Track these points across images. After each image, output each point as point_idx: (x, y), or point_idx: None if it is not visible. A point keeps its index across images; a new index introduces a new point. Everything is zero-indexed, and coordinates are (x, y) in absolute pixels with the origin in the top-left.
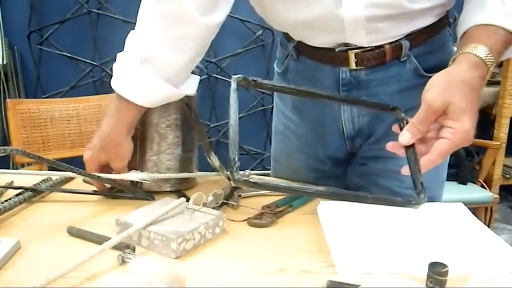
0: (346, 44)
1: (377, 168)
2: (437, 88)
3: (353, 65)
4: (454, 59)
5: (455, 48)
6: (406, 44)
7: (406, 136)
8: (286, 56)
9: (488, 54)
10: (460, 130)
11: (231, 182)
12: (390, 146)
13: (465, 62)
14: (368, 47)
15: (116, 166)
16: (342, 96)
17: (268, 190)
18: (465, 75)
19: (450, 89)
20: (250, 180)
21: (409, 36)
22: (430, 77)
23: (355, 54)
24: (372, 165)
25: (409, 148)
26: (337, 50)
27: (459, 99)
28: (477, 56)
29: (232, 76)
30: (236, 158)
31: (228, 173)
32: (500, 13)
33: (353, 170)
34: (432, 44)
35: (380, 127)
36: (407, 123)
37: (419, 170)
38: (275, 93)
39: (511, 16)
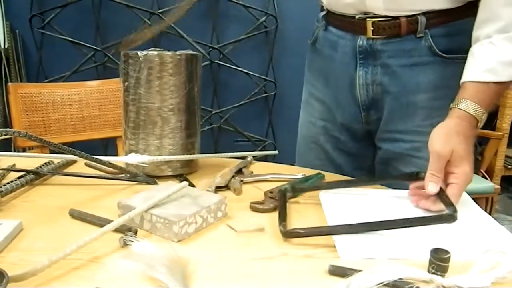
0: (365, 13)
1: (393, 153)
2: (440, 141)
3: (370, 33)
4: (450, 109)
5: None
6: (422, 20)
7: (433, 187)
8: (317, 28)
9: (477, 109)
10: (462, 173)
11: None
12: (414, 200)
13: (457, 117)
14: (385, 16)
15: None
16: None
17: (318, 235)
18: (459, 127)
19: (450, 140)
20: (302, 232)
21: (427, 15)
22: (444, 57)
23: (372, 23)
24: (389, 148)
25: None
26: (357, 17)
27: (459, 147)
28: (467, 112)
29: None
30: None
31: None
32: (485, 69)
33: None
34: (452, 27)
35: (393, 102)
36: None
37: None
38: (306, 67)
39: (498, 69)
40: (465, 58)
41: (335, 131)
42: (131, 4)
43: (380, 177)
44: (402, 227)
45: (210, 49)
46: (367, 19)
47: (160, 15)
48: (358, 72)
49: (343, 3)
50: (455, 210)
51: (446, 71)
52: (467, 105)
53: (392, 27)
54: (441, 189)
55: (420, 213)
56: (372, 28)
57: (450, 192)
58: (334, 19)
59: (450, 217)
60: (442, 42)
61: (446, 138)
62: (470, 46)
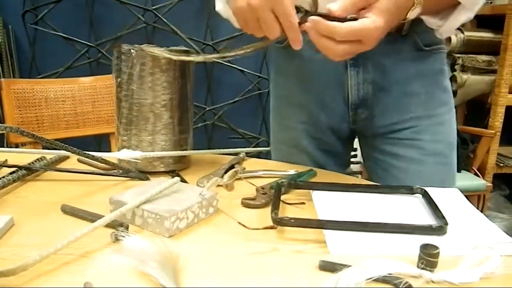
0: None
1: (395, 140)
2: None
3: None
4: None
5: None
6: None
7: (335, 5)
8: None
9: None
10: (372, 20)
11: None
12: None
13: None
14: None
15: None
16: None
17: (307, 227)
18: None
19: None
20: (291, 221)
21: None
22: (426, 50)
23: None
24: (390, 138)
25: None
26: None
27: (386, 2)
28: None
29: None
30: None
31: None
32: None
33: (370, 148)
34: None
35: (385, 97)
36: None
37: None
38: (274, 70)
39: None
40: (440, 48)
41: (318, 132)
42: (125, 0)
43: (375, 187)
44: (392, 232)
45: (204, 45)
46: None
47: (154, 11)
48: (350, 72)
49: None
50: (446, 223)
51: (429, 60)
52: None
53: None
54: (431, 199)
55: (411, 220)
56: None
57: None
58: None
59: (440, 229)
60: (423, 37)
61: None
62: (438, 40)
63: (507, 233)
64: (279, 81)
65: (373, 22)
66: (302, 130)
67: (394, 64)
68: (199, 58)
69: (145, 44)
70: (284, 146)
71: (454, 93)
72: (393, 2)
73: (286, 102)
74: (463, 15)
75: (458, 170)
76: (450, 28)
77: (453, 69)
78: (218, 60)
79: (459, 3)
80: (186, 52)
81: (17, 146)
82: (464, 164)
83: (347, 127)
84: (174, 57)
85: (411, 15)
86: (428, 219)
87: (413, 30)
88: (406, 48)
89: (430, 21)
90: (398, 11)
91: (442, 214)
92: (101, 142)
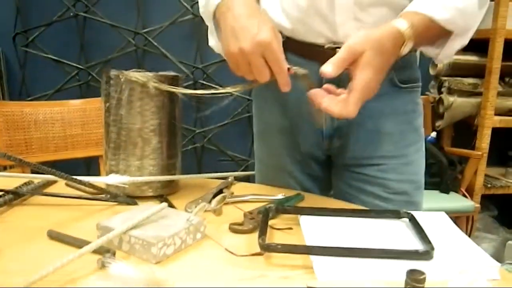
0: (335, 43)
1: (361, 175)
2: (359, 38)
3: None
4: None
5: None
6: None
7: (328, 67)
8: None
9: (408, 28)
10: (362, 80)
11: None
12: (313, 92)
13: (383, 29)
14: None
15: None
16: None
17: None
18: (380, 38)
19: (367, 41)
20: (278, 247)
21: None
22: (401, 87)
23: None
24: (357, 172)
25: None
26: (326, 47)
27: (372, 53)
28: (397, 27)
29: None
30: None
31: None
32: (429, 3)
33: (339, 177)
34: (404, 61)
35: (358, 129)
36: None
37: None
38: (255, 94)
39: (439, 8)
40: (414, 87)
41: (300, 156)
42: (116, 23)
43: (363, 212)
44: (379, 258)
45: (194, 68)
46: (337, 49)
47: (145, 35)
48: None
49: (313, 31)
50: (432, 248)
51: (404, 98)
52: (399, 21)
53: None
54: (418, 223)
55: (398, 245)
56: None
57: (350, 98)
58: (297, 47)
59: (427, 254)
60: (399, 74)
61: (364, 39)
62: (417, 76)
63: (496, 254)
64: (261, 106)
65: (362, 80)
66: (286, 155)
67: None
68: (187, 91)
69: (134, 69)
70: (270, 170)
71: (442, 116)
72: (378, 51)
73: (269, 127)
74: (457, 43)
75: (447, 192)
76: (446, 55)
77: (440, 92)
78: (207, 83)
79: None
80: (174, 78)
81: (4, 168)
82: (452, 185)
83: (323, 154)
84: (162, 87)
85: (404, 50)
86: (415, 244)
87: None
88: (382, 83)
89: (427, 50)
90: (387, 54)
91: (428, 239)
92: (90, 165)
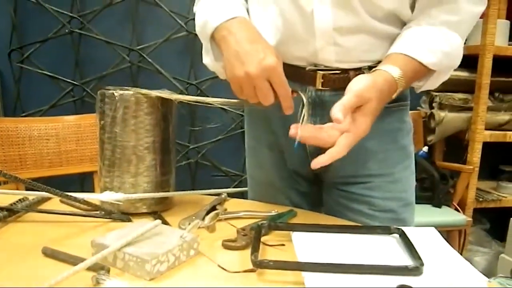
0: (316, 65)
1: (348, 193)
2: (366, 85)
3: (319, 85)
4: (374, 71)
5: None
6: (367, 73)
7: (338, 111)
8: None
9: (401, 77)
10: (362, 125)
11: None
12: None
13: (382, 77)
14: (335, 68)
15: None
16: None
17: (286, 269)
18: (381, 86)
19: (373, 91)
20: (270, 264)
21: (371, 68)
22: (390, 107)
23: (323, 75)
24: (344, 190)
25: None
26: (307, 69)
27: (375, 102)
28: (392, 75)
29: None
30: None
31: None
32: (418, 48)
33: (327, 194)
34: None
35: None
36: None
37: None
38: (246, 111)
39: (427, 52)
40: (401, 105)
41: (288, 173)
42: (110, 40)
43: (354, 228)
44: (369, 274)
45: (188, 85)
46: (318, 71)
47: (139, 51)
48: (306, 122)
49: (293, 56)
50: (422, 264)
51: (390, 117)
52: (393, 69)
53: (342, 81)
54: (408, 239)
55: (388, 261)
56: (322, 80)
57: (344, 140)
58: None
59: (416, 270)
60: None
61: (371, 87)
62: (406, 94)
63: (489, 267)
64: (251, 121)
65: (362, 127)
66: (275, 171)
67: None
68: (186, 98)
69: (128, 87)
70: (261, 186)
71: (433, 130)
72: (380, 99)
73: (258, 144)
74: (441, 78)
75: (439, 206)
76: (429, 87)
77: (431, 107)
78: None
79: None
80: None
81: None
82: (444, 199)
83: (309, 172)
84: (162, 95)
85: (395, 95)
86: (405, 260)
87: None
88: None
89: (411, 84)
90: (384, 102)
91: (418, 255)
92: (84, 181)
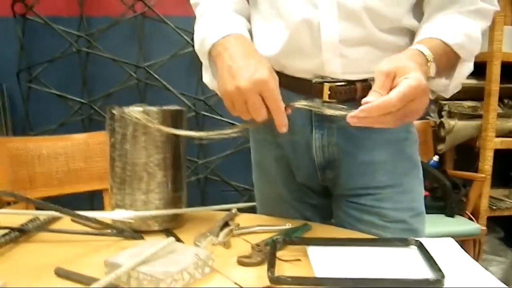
0: (322, 77)
1: (358, 204)
2: (386, 61)
3: (326, 97)
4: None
5: None
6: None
7: (370, 97)
8: None
9: (429, 52)
10: (412, 77)
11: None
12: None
13: (410, 51)
14: (342, 80)
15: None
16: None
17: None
18: (408, 55)
19: (395, 59)
20: (288, 280)
21: None
22: None
23: (329, 87)
24: (354, 202)
25: None
26: (313, 81)
27: (404, 63)
28: (420, 50)
29: None
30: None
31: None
32: (442, 30)
33: (337, 206)
34: None
35: (351, 161)
36: None
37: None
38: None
39: (451, 33)
40: None
41: (297, 186)
42: (117, 58)
43: (370, 240)
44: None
45: (195, 100)
46: (325, 83)
47: (146, 68)
48: (314, 134)
49: (299, 68)
50: (443, 276)
51: (395, 128)
52: (420, 46)
53: (349, 92)
54: (426, 251)
55: (408, 273)
56: (328, 92)
57: (398, 88)
58: (287, 81)
59: (438, 282)
60: None
61: (393, 58)
62: None
63: (505, 276)
64: (257, 136)
65: (413, 79)
66: (283, 184)
67: (359, 129)
68: (188, 134)
69: (137, 104)
70: (270, 200)
71: (443, 139)
72: (414, 61)
73: (265, 157)
74: (465, 68)
75: (452, 215)
76: (456, 83)
77: (440, 116)
78: (209, 115)
79: (458, 61)
80: (179, 113)
81: (8, 203)
82: (457, 208)
83: (318, 184)
84: (164, 129)
85: (431, 71)
86: (425, 272)
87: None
88: None
89: (438, 83)
90: (417, 61)
91: (438, 267)
92: (94, 199)
